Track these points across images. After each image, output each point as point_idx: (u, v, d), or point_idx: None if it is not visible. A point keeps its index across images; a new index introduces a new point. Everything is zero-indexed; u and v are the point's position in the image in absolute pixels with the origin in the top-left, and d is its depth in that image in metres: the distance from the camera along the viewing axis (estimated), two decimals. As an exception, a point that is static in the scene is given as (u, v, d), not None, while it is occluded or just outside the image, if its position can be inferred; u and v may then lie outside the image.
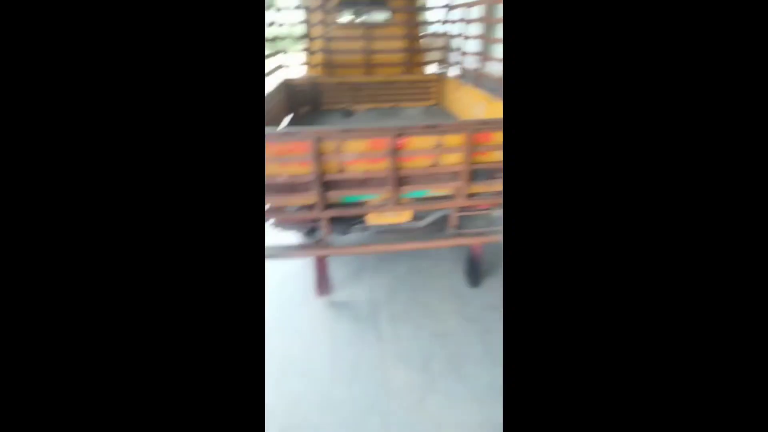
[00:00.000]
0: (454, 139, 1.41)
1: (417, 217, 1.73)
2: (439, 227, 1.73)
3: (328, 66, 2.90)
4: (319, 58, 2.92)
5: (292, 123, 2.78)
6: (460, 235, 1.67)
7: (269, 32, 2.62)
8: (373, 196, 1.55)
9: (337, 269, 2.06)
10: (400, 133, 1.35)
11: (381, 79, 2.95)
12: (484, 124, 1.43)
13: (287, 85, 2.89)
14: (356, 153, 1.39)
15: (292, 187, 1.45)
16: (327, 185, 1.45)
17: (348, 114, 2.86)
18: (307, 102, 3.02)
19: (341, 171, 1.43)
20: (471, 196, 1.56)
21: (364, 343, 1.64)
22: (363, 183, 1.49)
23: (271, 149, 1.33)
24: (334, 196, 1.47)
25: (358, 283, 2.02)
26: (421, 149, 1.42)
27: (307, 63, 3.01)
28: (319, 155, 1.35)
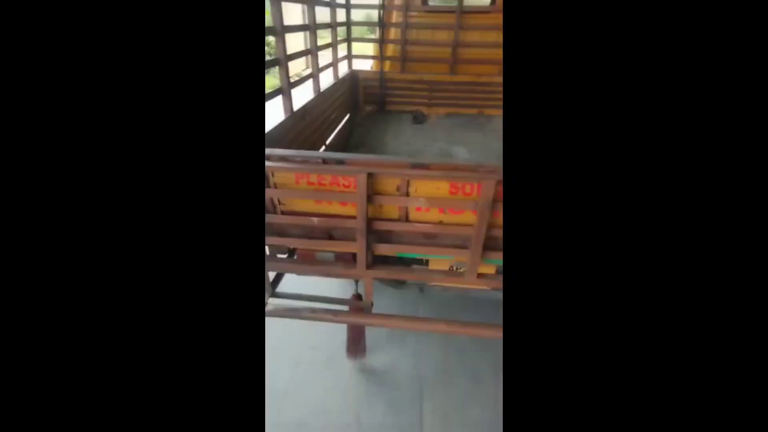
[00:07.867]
0: None
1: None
2: None
3: (403, 59, 2.43)
4: (393, 49, 2.46)
5: (349, 124, 2.39)
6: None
7: (340, 17, 2.24)
8: (444, 257, 1.07)
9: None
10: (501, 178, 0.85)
11: (468, 79, 2.41)
12: None
13: (353, 78, 2.50)
14: (428, 198, 0.93)
15: (328, 233, 1.04)
16: (377, 236, 1.01)
17: (419, 120, 2.38)
18: (373, 100, 2.60)
19: (402, 219, 0.98)
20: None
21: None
22: (431, 238, 1.02)
23: (305, 179, 0.94)
24: (386, 249, 1.03)
25: (401, 346, 1.57)
26: None
27: (379, 54, 2.56)
28: (370, 196, 0.92)
